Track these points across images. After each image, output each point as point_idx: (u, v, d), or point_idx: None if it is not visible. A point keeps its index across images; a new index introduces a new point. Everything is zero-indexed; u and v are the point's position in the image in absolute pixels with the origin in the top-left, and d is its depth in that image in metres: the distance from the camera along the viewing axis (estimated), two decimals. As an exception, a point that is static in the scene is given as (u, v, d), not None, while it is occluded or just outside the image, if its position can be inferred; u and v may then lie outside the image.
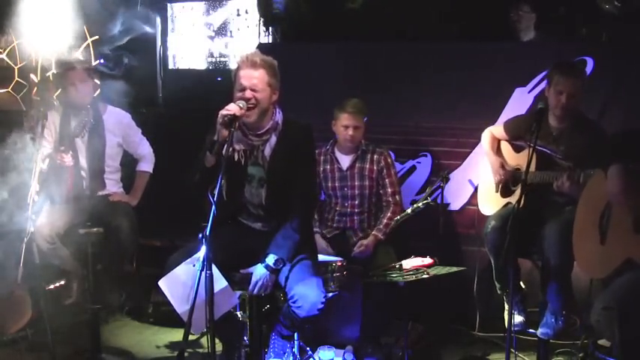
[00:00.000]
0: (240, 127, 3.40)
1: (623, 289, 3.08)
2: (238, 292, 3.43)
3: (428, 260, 4.01)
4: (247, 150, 3.47)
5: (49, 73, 5.16)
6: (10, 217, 4.10)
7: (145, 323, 4.76)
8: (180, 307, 3.24)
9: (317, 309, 3.30)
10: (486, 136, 4.33)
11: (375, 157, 4.40)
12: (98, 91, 4.82)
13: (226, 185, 3.41)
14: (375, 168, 4.39)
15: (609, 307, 3.03)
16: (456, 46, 4.94)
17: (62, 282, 4.49)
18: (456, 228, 4.79)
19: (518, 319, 4.05)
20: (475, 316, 4.50)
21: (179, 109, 5.82)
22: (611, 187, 3.24)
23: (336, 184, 4.43)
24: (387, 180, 4.39)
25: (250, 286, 3.36)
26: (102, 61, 5.52)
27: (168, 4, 6.12)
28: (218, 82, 5.81)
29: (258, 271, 3.35)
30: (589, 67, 4.43)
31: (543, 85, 4.18)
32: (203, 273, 2.88)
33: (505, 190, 4.21)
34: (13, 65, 5.47)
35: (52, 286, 4.42)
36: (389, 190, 4.39)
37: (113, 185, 4.66)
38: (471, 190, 4.72)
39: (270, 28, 5.67)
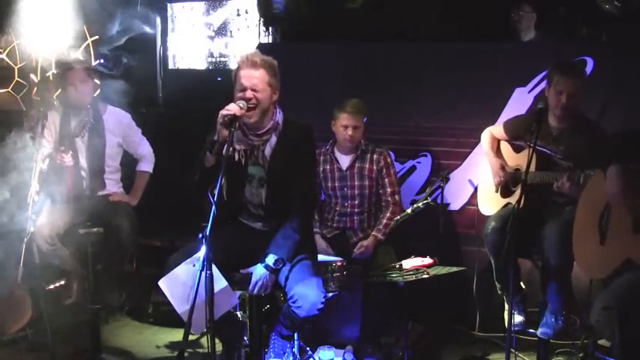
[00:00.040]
0: (241, 127, 3.40)
1: (623, 289, 3.09)
2: (238, 292, 3.43)
3: (428, 260, 4.01)
4: (248, 150, 3.47)
5: (49, 73, 5.16)
6: (10, 217, 4.10)
7: (145, 323, 4.76)
8: (180, 307, 3.24)
9: (317, 309, 3.30)
10: (486, 136, 4.33)
11: (375, 156, 4.40)
12: (98, 91, 4.82)
13: (226, 185, 3.41)
14: (374, 168, 4.39)
15: (609, 307, 3.03)
16: (456, 46, 4.94)
17: (62, 282, 4.49)
18: (455, 228, 4.79)
19: (518, 319, 4.05)
20: (475, 316, 4.50)
21: (179, 109, 5.83)
22: (610, 188, 3.24)
23: (336, 184, 4.43)
24: (386, 180, 4.39)
25: (250, 286, 3.36)
26: (102, 61, 5.53)
27: (168, 4, 6.12)
28: (218, 82, 5.82)
29: (258, 271, 3.35)
30: (589, 67, 4.43)
31: (543, 85, 4.18)
32: (203, 273, 2.88)
33: (505, 190, 4.21)
34: (13, 65, 5.46)
35: (52, 286, 4.42)
36: (388, 189, 4.39)
37: (113, 185, 4.65)
38: (471, 190, 4.72)
39: (270, 28, 5.67)
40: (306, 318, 3.33)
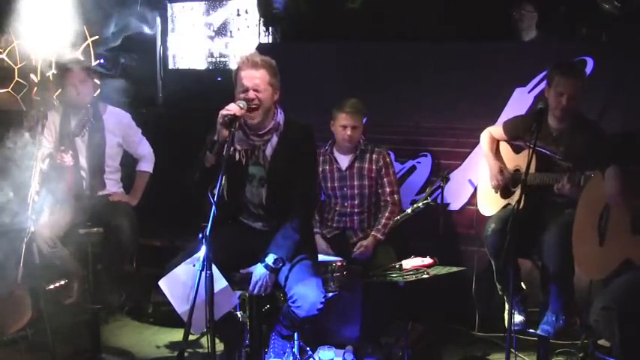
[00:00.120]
0: (242, 127, 3.40)
1: (622, 290, 3.09)
2: (238, 292, 3.43)
3: (428, 260, 4.01)
4: (248, 150, 3.47)
5: (49, 73, 5.16)
6: (11, 216, 4.10)
7: (145, 323, 4.76)
8: (180, 307, 3.25)
9: (316, 309, 3.30)
10: (485, 137, 4.33)
11: (374, 156, 4.40)
12: (98, 91, 4.83)
13: (227, 185, 3.41)
14: (373, 167, 4.39)
15: (608, 307, 3.03)
16: (456, 46, 4.94)
17: (62, 282, 4.48)
18: (455, 228, 4.79)
19: (518, 319, 4.05)
20: (475, 316, 4.50)
21: (179, 109, 5.83)
22: (608, 189, 3.24)
23: (336, 184, 4.43)
24: (385, 179, 4.39)
25: (250, 286, 3.36)
26: (102, 61, 5.53)
27: (168, 4, 6.12)
28: (218, 82, 5.82)
29: (258, 271, 3.35)
30: (589, 67, 4.43)
31: (543, 85, 4.18)
32: (203, 273, 2.89)
33: (505, 191, 4.20)
34: (13, 65, 5.47)
35: (52, 286, 4.41)
36: (387, 189, 4.39)
37: (113, 185, 4.66)
38: (471, 190, 4.72)
39: (270, 28, 5.68)
40: (305, 318, 3.33)
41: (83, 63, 4.70)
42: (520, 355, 3.98)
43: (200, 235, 2.88)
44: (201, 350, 4.20)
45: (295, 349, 3.66)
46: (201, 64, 6.11)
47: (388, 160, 4.43)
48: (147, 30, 5.74)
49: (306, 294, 3.29)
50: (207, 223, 2.91)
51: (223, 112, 3.24)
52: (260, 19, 5.72)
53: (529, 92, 4.59)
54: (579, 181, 3.62)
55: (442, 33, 5.07)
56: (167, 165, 4.80)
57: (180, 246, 4.25)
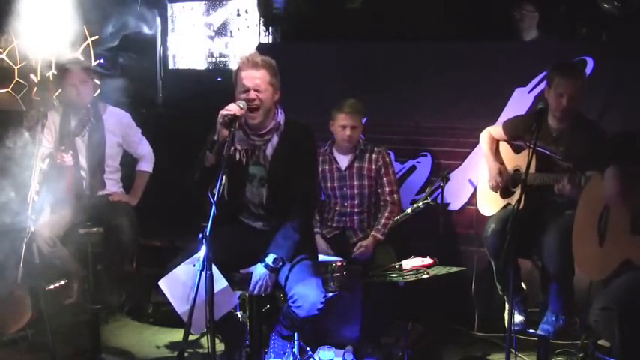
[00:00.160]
0: (242, 128, 3.41)
1: (621, 290, 3.09)
2: (238, 292, 3.43)
3: (428, 260, 4.01)
4: (249, 150, 3.48)
5: (49, 73, 5.16)
6: (11, 216, 4.10)
7: (145, 323, 4.76)
8: (180, 307, 3.25)
9: (317, 309, 3.30)
10: (485, 137, 4.32)
11: (374, 156, 4.40)
12: (98, 91, 4.83)
13: (227, 185, 3.41)
14: (373, 167, 4.39)
15: (607, 307, 3.03)
16: (456, 46, 4.94)
17: (62, 282, 4.48)
18: (455, 228, 4.79)
19: (518, 318, 4.05)
20: (475, 316, 4.51)
21: (179, 109, 5.83)
22: (608, 189, 3.24)
23: (335, 185, 4.43)
24: (384, 179, 4.39)
25: (250, 286, 3.36)
26: (102, 61, 5.53)
27: (168, 4, 6.12)
28: (218, 82, 5.82)
29: (258, 271, 3.36)
30: (589, 67, 4.43)
31: (543, 85, 4.18)
32: (203, 273, 2.89)
33: (505, 191, 4.20)
34: (13, 65, 5.47)
35: (52, 286, 4.41)
36: (387, 189, 4.39)
37: (113, 185, 4.65)
38: (471, 190, 4.72)
39: (270, 28, 5.67)
40: (306, 318, 3.33)
41: (83, 63, 4.70)
42: (520, 355, 3.98)
43: (200, 235, 2.88)
44: (201, 350, 4.20)
45: (295, 349, 3.66)
46: (201, 64, 6.11)
47: (388, 159, 4.43)
48: (147, 30, 5.74)
49: (306, 294, 3.29)
50: (207, 223, 2.91)
51: (223, 112, 3.24)
52: (260, 19, 5.71)
53: (529, 92, 4.59)
54: (580, 181, 3.61)
55: (442, 33, 5.07)
56: (167, 165, 4.80)
57: (181, 246, 4.25)
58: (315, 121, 3.72)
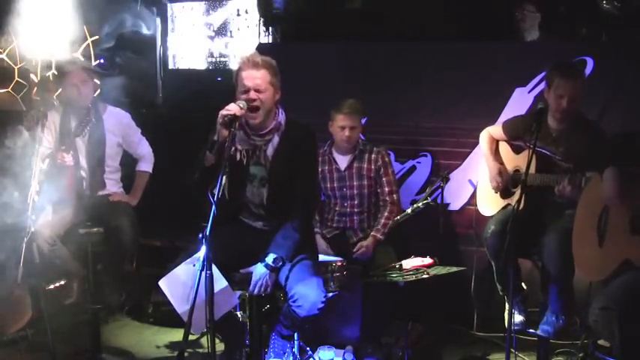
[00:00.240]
0: (243, 128, 3.41)
1: (621, 290, 3.09)
2: (238, 292, 3.43)
3: (428, 260, 4.02)
4: (249, 150, 3.48)
5: (49, 73, 5.16)
6: (11, 216, 4.10)
7: (145, 323, 4.76)
8: (180, 307, 3.25)
9: (317, 309, 3.30)
10: (484, 137, 4.32)
11: (373, 156, 4.40)
12: (98, 91, 4.83)
13: (227, 185, 3.41)
14: (372, 167, 4.39)
15: (607, 307, 3.03)
16: (456, 46, 4.94)
17: (62, 282, 4.49)
18: (455, 228, 4.79)
19: (518, 318, 4.05)
20: (474, 316, 4.50)
21: (179, 109, 5.83)
22: (607, 190, 3.24)
23: (335, 185, 4.43)
24: (384, 179, 4.39)
25: (250, 286, 3.36)
26: (102, 61, 5.53)
27: (168, 4, 6.12)
28: (218, 82, 5.82)
29: (258, 271, 3.36)
30: (589, 67, 4.43)
31: (543, 85, 4.17)
32: (203, 273, 2.89)
33: (505, 191, 4.20)
34: (13, 65, 5.47)
35: (52, 286, 4.41)
36: (386, 189, 4.39)
37: (113, 185, 4.65)
38: (471, 190, 4.72)
39: (270, 28, 5.67)
40: (306, 318, 3.33)
41: (83, 63, 4.70)
42: (520, 355, 3.99)
43: (200, 235, 2.88)
44: (201, 350, 4.20)
45: (295, 349, 3.66)
46: (201, 64, 6.11)
47: (387, 159, 4.43)
48: (146, 30, 5.74)
49: (307, 293, 3.29)
50: (207, 223, 2.91)
51: (223, 112, 3.24)
52: (260, 19, 5.71)
53: (529, 92, 4.59)
54: (580, 183, 3.60)
55: (442, 33, 5.07)
56: (167, 165, 4.80)
57: (181, 246, 4.25)
58: (315, 121, 3.72)
